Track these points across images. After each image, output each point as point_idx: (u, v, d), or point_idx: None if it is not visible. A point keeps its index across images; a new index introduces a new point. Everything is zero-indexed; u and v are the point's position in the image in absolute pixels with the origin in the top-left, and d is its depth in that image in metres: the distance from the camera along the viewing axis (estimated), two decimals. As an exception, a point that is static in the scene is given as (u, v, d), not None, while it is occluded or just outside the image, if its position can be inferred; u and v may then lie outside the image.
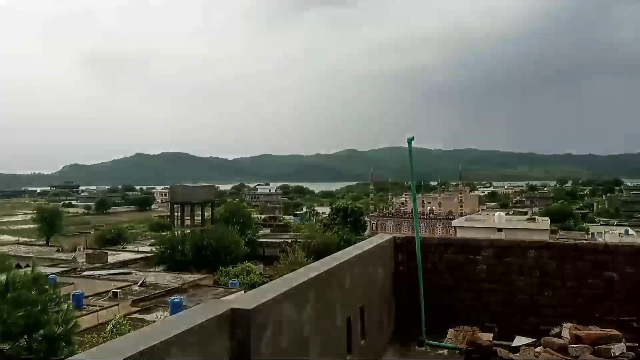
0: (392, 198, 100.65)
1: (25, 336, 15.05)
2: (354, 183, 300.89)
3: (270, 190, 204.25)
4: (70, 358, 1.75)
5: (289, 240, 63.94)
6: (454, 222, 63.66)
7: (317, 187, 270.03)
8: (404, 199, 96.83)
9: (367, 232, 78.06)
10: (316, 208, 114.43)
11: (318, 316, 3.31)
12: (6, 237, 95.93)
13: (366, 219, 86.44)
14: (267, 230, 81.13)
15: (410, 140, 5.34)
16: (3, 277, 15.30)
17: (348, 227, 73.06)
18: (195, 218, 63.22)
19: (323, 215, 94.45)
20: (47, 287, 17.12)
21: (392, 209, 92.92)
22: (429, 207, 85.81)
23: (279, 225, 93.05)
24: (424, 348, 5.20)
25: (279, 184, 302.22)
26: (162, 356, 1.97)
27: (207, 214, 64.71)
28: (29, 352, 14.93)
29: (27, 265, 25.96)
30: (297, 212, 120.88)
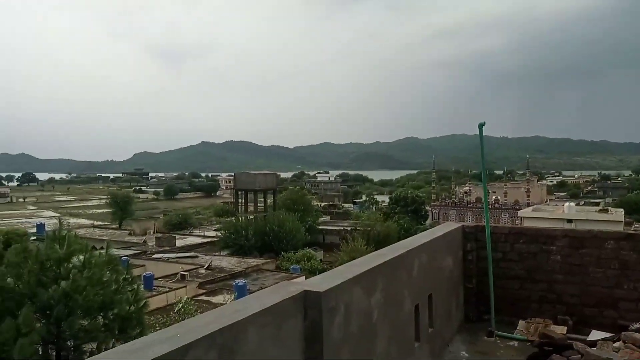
0: (455, 187, 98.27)
1: (101, 314, 16.00)
2: (414, 172, 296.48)
3: (329, 179, 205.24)
4: (154, 333, 1.82)
5: (349, 228, 64.11)
6: (521, 212, 61.32)
7: (376, 176, 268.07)
8: (467, 187, 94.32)
9: (428, 222, 76.83)
10: (375, 196, 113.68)
11: (386, 302, 3.28)
12: (82, 221, 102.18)
13: (427, 208, 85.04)
14: (327, 218, 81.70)
15: (481, 126, 5.15)
16: (81, 258, 16.26)
17: (408, 217, 72.22)
18: (258, 204, 64.67)
19: (383, 204, 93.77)
20: (120, 268, 18.08)
21: (455, 198, 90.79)
22: (494, 197, 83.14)
23: (338, 213, 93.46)
24: (493, 339, 5.04)
25: (339, 172, 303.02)
26: (240, 334, 2.01)
27: (269, 200, 66.01)
28: (105, 329, 15.86)
29: (102, 248, 27.52)
30: (357, 200, 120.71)
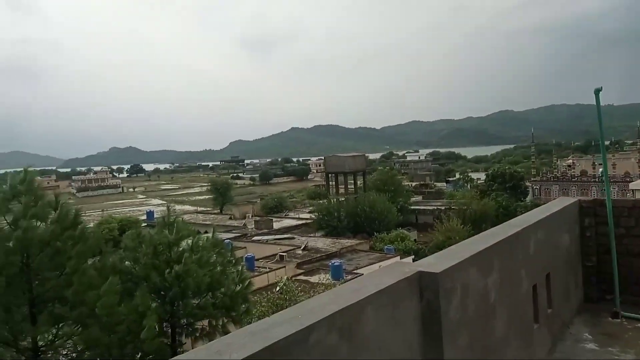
0: (557, 160, 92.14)
1: (210, 293, 17.01)
2: (511, 146, 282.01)
3: (419, 158, 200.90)
4: (276, 314, 1.84)
5: (443, 208, 62.61)
6: (632, 185, 56.29)
7: (469, 152, 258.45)
8: (570, 161, 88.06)
9: (529, 198, 72.94)
10: (470, 174, 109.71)
11: (503, 282, 3.11)
12: (187, 207, 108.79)
13: (527, 184, 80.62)
14: (419, 198, 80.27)
15: (597, 92, 4.67)
16: (189, 242, 17.34)
17: (507, 194, 68.95)
18: (349, 186, 65.06)
19: (478, 181, 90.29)
20: (225, 251, 19.05)
21: (557, 172, 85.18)
22: (601, 169, 76.84)
23: (430, 192, 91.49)
24: (619, 320, 4.64)
25: (429, 150, 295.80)
26: (359, 315, 1.98)
27: (359, 182, 66.12)
28: (214, 307, 16.85)
29: (206, 232, 29.12)
30: (449, 179, 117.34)
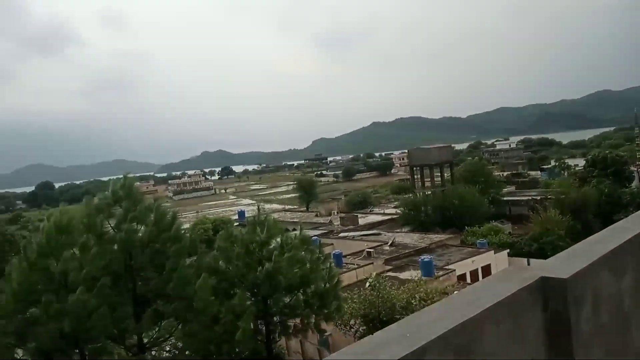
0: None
1: (301, 290, 17.15)
2: (610, 129, 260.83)
3: (510, 146, 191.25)
4: (382, 330, 1.60)
5: (538, 198, 59.16)
6: None
7: (564, 138, 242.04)
8: (683, 141, 79.67)
9: (634, 184, 66.93)
10: (566, 160, 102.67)
11: (638, 286, 2.66)
12: (275, 206, 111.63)
13: (632, 168, 73.98)
14: (512, 188, 76.44)
15: None
16: (278, 240, 17.59)
17: (609, 180, 63.68)
18: (435, 179, 63.33)
19: (577, 168, 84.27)
20: (313, 248, 19.15)
21: (668, 154, 77.36)
22: None
23: (524, 182, 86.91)
24: None
25: (520, 137, 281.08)
26: (476, 332, 1.70)
27: (446, 174, 64.16)
28: (305, 305, 16.97)
29: (294, 229, 29.56)
30: (544, 167, 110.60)
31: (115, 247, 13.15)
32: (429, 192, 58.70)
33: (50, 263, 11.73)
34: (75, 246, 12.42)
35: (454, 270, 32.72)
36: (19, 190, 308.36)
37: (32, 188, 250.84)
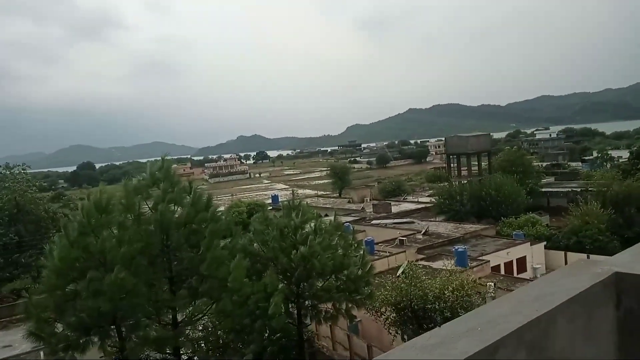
0: None
1: (333, 275, 17.15)
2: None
3: (550, 135, 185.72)
4: (451, 322, 1.48)
5: (578, 190, 57.35)
6: None
7: (608, 128, 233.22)
8: None
9: (683, 178, 64.02)
10: (609, 152, 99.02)
11: None
12: (308, 191, 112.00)
13: (681, 161, 70.73)
14: (551, 179, 74.39)
15: None
16: (312, 225, 17.59)
17: (655, 173, 61.08)
18: (472, 168, 62.15)
19: (620, 160, 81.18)
20: (346, 234, 19.09)
21: None
22: None
23: (564, 173, 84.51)
24: None
25: (561, 127, 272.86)
26: (549, 328, 1.56)
27: (483, 163, 62.88)
28: (337, 290, 16.97)
29: (326, 215, 29.51)
30: (586, 158, 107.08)
31: (152, 227, 13.36)
32: (465, 181, 57.67)
33: (90, 241, 12.03)
34: (114, 225, 12.69)
35: (489, 261, 32.15)
36: (61, 169, 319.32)
37: (74, 168, 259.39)
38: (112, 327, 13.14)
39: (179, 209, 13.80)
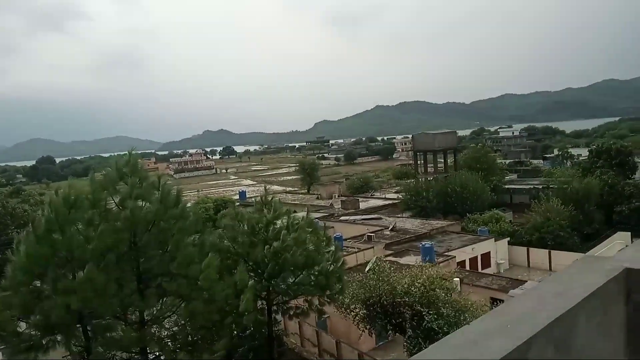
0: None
1: (305, 270, 17.07)
2: (615, 119, 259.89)
3: (513, 133, 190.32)
4: (478, 320, 1.40)
5: (540, 187, 58.95)
6: None
7: (568, 127, 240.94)
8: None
9: (638, 175, 66.66)
10: (570, 150, 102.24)
11: None
12: (275, 187, 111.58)
13: (637, 159, 73.63)
14: (514, 176, 76.28)
15: None
16: (284, 221, 17.45)
17: (613, 171, 63.40)
18: (438, 165, 63.07)
19: (580, 158, 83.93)
20: (318, 230, 19.03)
21: (673, 146, 76.94)
22: None
23: (526, 170, 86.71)
24: None
25: (523, 125, 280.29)
26: (571, 323, 1.52)
27: (449, 161, 63.92)
28: (310, 285, 16.90)
29: (295, 211, 29.31)
30: (547, 156, 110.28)
31: (119, 224, 12.97)
32: (432, 178, 58.49)
33: (57, 238, 11.57)
34: (82, 222, 12.25)
35: (454, 256, 32.72)
36: (19, 163, 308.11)
37: (33, 162, 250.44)
38: (78, 326, 12.71)
39: (147, 205, 13.43)
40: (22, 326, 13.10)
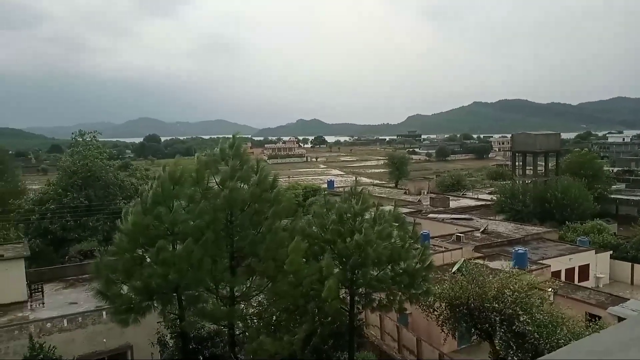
0: None
1: (389, 266, 16.97)
2: None
3: (624, 139, 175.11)
4: (615, 326, 1.35)
5: (652, 199, 54.01)
6: None
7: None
8: None
9: None
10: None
11: None
12: (363, 179, 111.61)
13: None
14: (622, 186, 70.39)
15: None
16: (372, 213, 17.43)
17: None
18: (538, 168, 59.78)
19: (703, 171, 75.62)
20: (406, 226, 18.78)
21: None
22: None
23: (636, 180, 79.67)
24: None
25: (636, 131, 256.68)
26: None
27: (550, 164, 60.31)
28: (393, 281, 16.78)
29: (380, 205, 29.10)
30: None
31: (218, 202, 13.67)
32: (530, 181, 55.60)
33: (162, 210, 12.48)
34: (184, 198, 13.10)
35: (549, 265, 30.97)
36: (128, 140, 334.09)
37: (141, 139, 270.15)
38: (174, 295, 13.64)
39: (244, 187, 14.03)
40: (124, 289, 14.30)
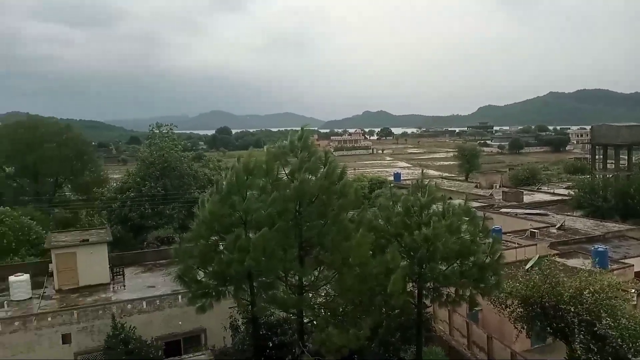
0: None
1: (458, 260, 16.62)
2: None
3: None
4: None
5: None
6: None
7: None
8: None
9: None
10: None
11: None
12: (431, 172, 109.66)
13: None
14: None
15: None
16: (440, 206, 17.12)
17: None
18: (620, 162, 56.16)
19: None
20: (476, 220, 18.29)
21: None
22: None
23: None
24: None
25: None
26: None
27: (633, 158, 56.46)
28: (462, 276, 16.43)
29: (450, 198, 28.41)
30: None
31: (288, 193, 13.97)
32: (611, 176, 52.34)
33: (236, 199, 13.01)
34: (256, 188, 13.54)
35: (632, 265, 29.07)
36: (201, 132, 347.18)
37: (213, 132, 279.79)
38: (247, 281, 14.15)
39: (313, 178, 14.25)
40: (200, 275, 14.99)
